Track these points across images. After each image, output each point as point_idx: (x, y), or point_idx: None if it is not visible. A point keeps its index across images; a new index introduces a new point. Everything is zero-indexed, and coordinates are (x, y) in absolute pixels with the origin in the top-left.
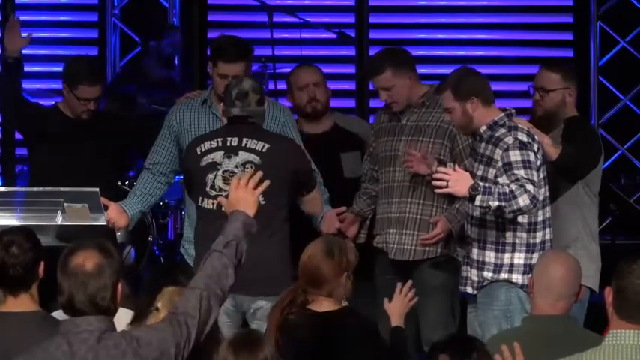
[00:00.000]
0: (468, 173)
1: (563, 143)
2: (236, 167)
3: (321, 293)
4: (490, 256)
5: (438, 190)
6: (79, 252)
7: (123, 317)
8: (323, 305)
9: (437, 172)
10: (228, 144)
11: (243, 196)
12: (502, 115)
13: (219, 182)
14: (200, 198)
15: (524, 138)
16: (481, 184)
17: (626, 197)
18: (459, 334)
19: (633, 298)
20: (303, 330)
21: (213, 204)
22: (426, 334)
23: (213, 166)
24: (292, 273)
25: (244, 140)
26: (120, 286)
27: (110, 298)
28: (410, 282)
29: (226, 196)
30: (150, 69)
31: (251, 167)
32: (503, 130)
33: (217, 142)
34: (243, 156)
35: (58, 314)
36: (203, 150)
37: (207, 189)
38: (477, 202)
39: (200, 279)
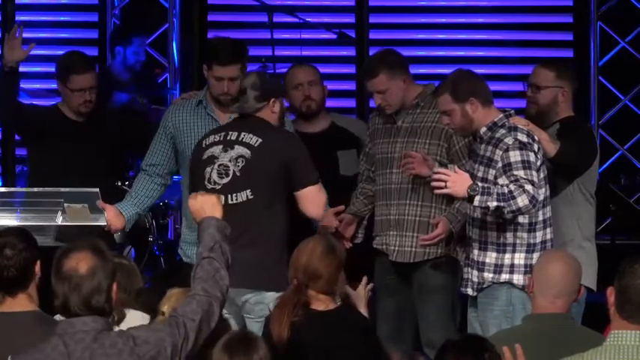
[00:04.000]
0: (467, 174)
1: (561, 141)
2: (229, 161)
3: (320, 291)
4: (491, 256)
5: (437, 191)
6: (72, 254)
7: (138, 321)
8: (323, 304)
9: (436, 172)
10: (228, 137)
11: (204, 202)
12: (501, 115)
13: (214, 176)
14: (199, 191)
15: (524, 138)
16: (480, 184)
17: (626, 197)
18: (470, 335)
19: (635, 298)
20: (309, 330)
21: None
22: (426, 334)
23: (212, 160)
24: (284, 270)
25: (242, 134)
26: (115, 286)
27: (105, 299)
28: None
29: (219, 190)
30: (118, 73)
31: (242, 161)
32: (503, 131)
33: (220, 135)
34: (237, 150)
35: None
36: (207, 143)
37: (206, 182)
38: (476, 203)
39: (197, 286)
